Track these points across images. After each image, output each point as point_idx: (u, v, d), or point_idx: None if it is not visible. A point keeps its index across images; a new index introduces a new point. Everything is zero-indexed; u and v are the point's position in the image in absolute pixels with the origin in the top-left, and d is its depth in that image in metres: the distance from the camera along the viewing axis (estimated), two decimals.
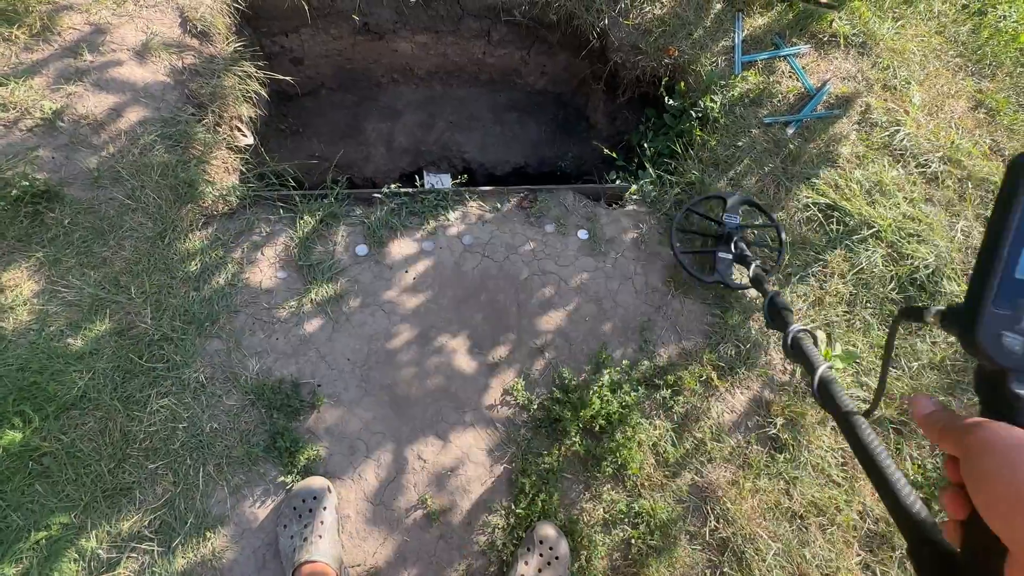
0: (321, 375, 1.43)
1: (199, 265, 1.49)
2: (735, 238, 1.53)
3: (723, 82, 1.88)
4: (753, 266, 1.35)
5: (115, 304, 1.42)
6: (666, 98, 1.94)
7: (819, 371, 0.70)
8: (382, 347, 1.47)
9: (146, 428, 1.31)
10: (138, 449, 1.29)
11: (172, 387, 1.35)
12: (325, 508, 1.24)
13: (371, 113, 2.48)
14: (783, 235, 1.61)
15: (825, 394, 0.69)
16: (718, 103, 1.84)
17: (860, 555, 1.37)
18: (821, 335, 1.56)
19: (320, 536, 1.20)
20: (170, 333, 1.40)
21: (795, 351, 0.83)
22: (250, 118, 1.96)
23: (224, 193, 1.60)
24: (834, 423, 1.49)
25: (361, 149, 2.49)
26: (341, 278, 1.54)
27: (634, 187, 1.82)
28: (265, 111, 2.11)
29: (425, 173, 2.51)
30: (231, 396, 1.37)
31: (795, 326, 0.86)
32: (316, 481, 1.28)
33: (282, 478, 1.30)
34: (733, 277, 1.54)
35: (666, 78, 1.97)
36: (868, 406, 0.67)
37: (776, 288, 1.10)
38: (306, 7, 1.95)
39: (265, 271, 1.53)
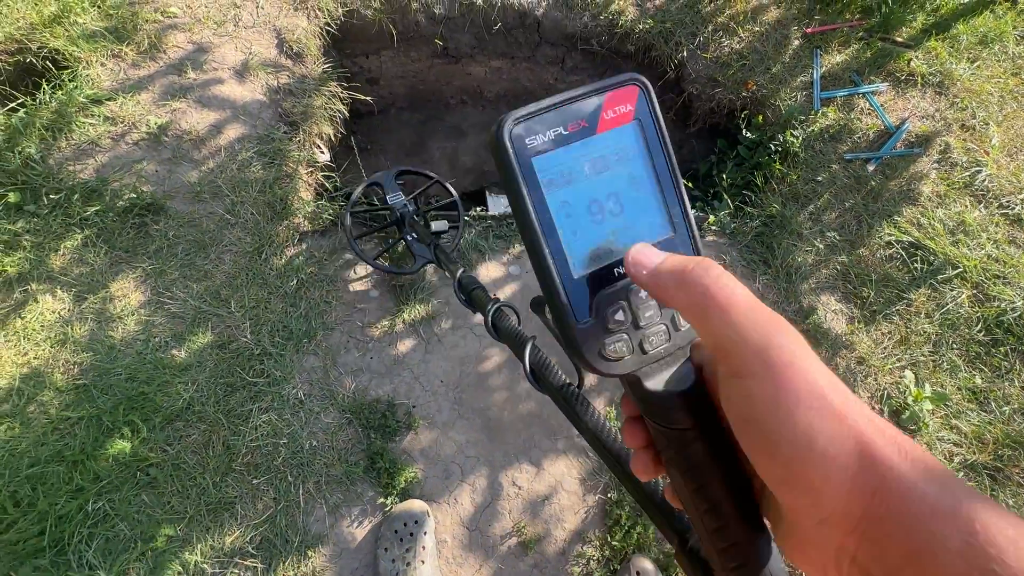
0: (415, 396, 1.44)
1: (296, 281, 1.52)
2: (407, 218, 1.46)
3: (803, 117, 1.90)
4: (436, 243, 1.24)
5: (216, 317, 1.44)
6: (743, 131, 1.96)
7: (527, 348, 0.60)
8: (473, 370, 1.48)
9: (248, 442, 1.32)
10: (240, 463, 1.30)
11: (273, 402, 1.37)
12: (426, 533, 1.24)
13: (437, 132, 2.52)
14: (449, 187, 1.56)
15: (536, 372, 0.59)
16: (799, 138, 1.86)
17: None
18: (909, 374, 1.55)
19: (423, 561, 1.20)
20: (269, 348, 1.42)
21: (497, 330, 0.74)
22: (330, 136, 2.01)
23: (318, 210, 1.63)
24: None
25: (426, 168, 2.53)
26: (433, 299, 1.56)
27: (712, 218, 1.83)
28: (343, 130, 2.16)
29: (488, 194, 2.54)
30: (328, 414, 1.38)
31: (492, 304, 0.76)
32: (416, 504, 1.28)
33: (380, 499, 1.30)
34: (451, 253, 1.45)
35: (744, 111, 1.99)
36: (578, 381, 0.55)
37: (462, 266, 1.00)
38: (393, 31, 2.01)
39: (358, 290, 1.56)
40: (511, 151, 0.31)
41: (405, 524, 1.24)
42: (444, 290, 1.58)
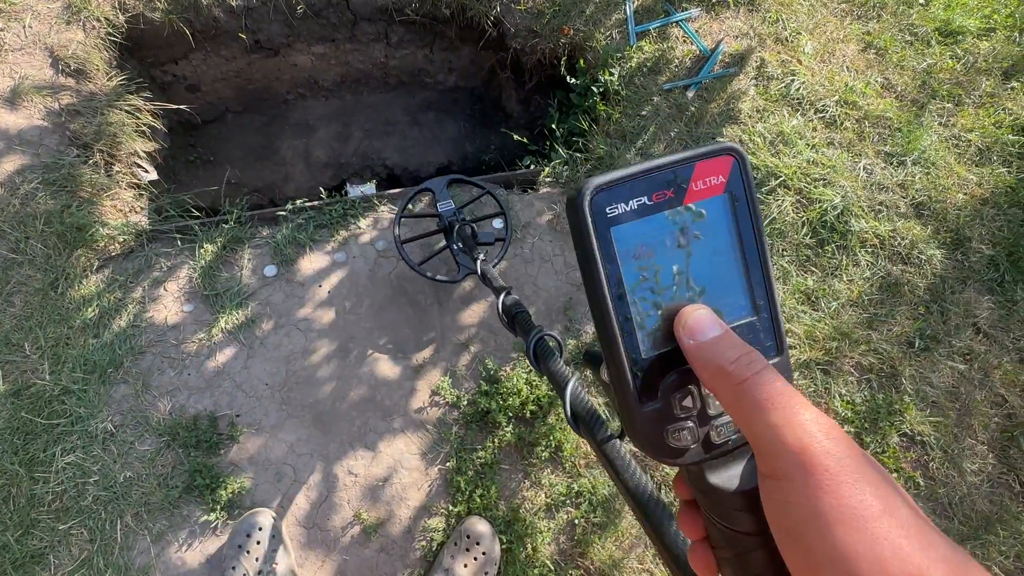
0: (239, 405, 1.38)
1: (97, 311, 1.43)
2: (456, 226, 1.41)
3: (619, 55, 1.89)
4: (478, 261, 1.17)
5: (8, 364, 1.35)
6: (568, 78, 1.94)
7: (568, 388, 0.55)
8: (301, 366, 1.43)
9: (53, 488, 1.24)
10: (47, 512, 1.23)
11: (78, 441, 1.29)
12: (274, 536, 1.20)
13: (283, 131, 2.42)
14: (500, 202, 1.51)
15: (577, 416, 0.54)
16: (616, 76, 1.85)
17: None
18: None
19: (276, 564, 1.16)
20: (71, 386, 1.33)
21: (538, 360, 0.68)
22: (148, 153, 1.89)
23: (118, 233, 1.53)
24: None
25: (279, 169, 2.43)
26: (251, 302, 1.50)
27: (547, 169, 1.82)
28: (166, 143, 2.04)
29: (348, 185, 2.47)
30: (144, 441, 1.31)
31: (535, 332, 0.70)
32: (254, 512, 1.23)
33: (205, 517, 1.25)
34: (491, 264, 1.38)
35: (565, 58, 1.97)
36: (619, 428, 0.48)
37: (508, 286, 0.93)
38: (188, 32, 1.89)
39: (170, 307, 1.47)
40: (589, 219, 0.29)
41: (248, 535, 1.20)
42: (263, 291, 1.51)
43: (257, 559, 1.17)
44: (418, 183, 2.54)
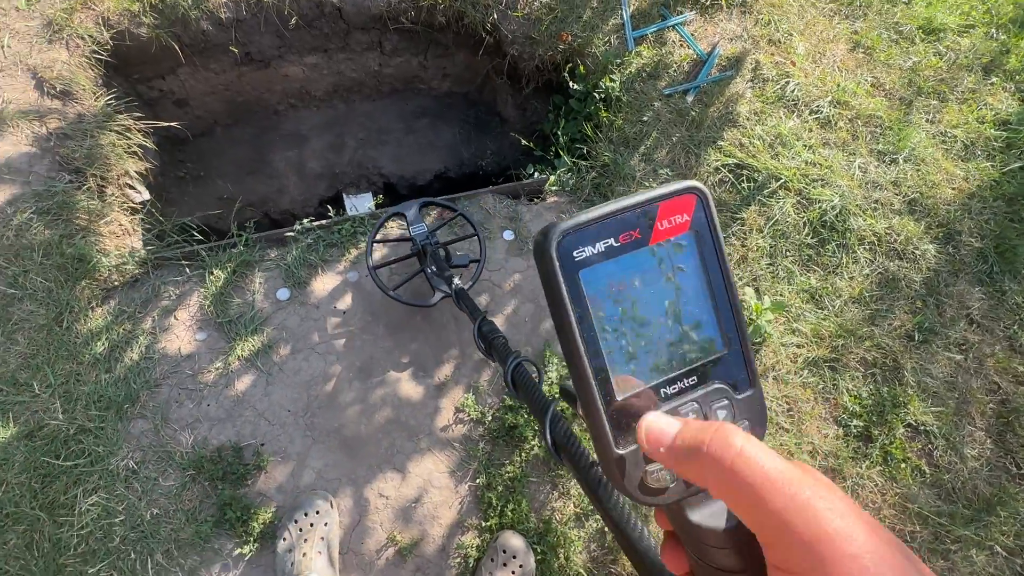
0: (262, 433, 1.36)
1: (106, 344, 1.39)
2: (428, 251, 1.40)
3: (619, 60, 1.90)
4: (454, 282, 1.16)
5: (18, 405, 1.30)
6: (570, 83, 1.95)
7: (548, 415, 0.54)
8: (322, 391, 1.42)
9: (78, 532, 1.21)
10: (73, 556, 1.20)
11: (100, 481, 1.26)
12: (327, 524, 1.23)
13: (275, 143, 2.36)
14: (473, 223, 1.50)
15: (558, 444, 0.53)
16: (617, 82, 1.86)
17: None
18: (749, 291, 1.62)
19: (319, 552, 1.18)
20: (86, 424, 1.30)
21: (516, 387, 0.66)
22: (140, 173, 1.83)
23: (120, 262, 1.49)
24: (773, 373, 1.56)
25: (273, 182, 2.38)
26: (266, 327, 1.47)
27: (552, 178, 1.82)
28: (156, 162, 1.97)
29: (344, 196, 2.43)
30: (168, 476, 1.29)
31: (513, 358, 0.68)
32: (317, 496, 1.26)
33: (239, 550, 1.24)
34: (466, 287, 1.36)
35: (566, 64, 1.97)
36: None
37: (484, 311, 0.93)
38: (176, 47, 1.83)
39: (182, 336, 1.44)
40: (557, 263, 0.28)
41: (306, 514, 1.23)
42: (277, 315, 1.49)
43: (306, 540, 1.19)
44: (415, 191, 2.53)
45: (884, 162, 1.85)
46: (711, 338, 0.32)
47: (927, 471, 1.49)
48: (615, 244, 0.30)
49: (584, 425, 0.34)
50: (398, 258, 1.52)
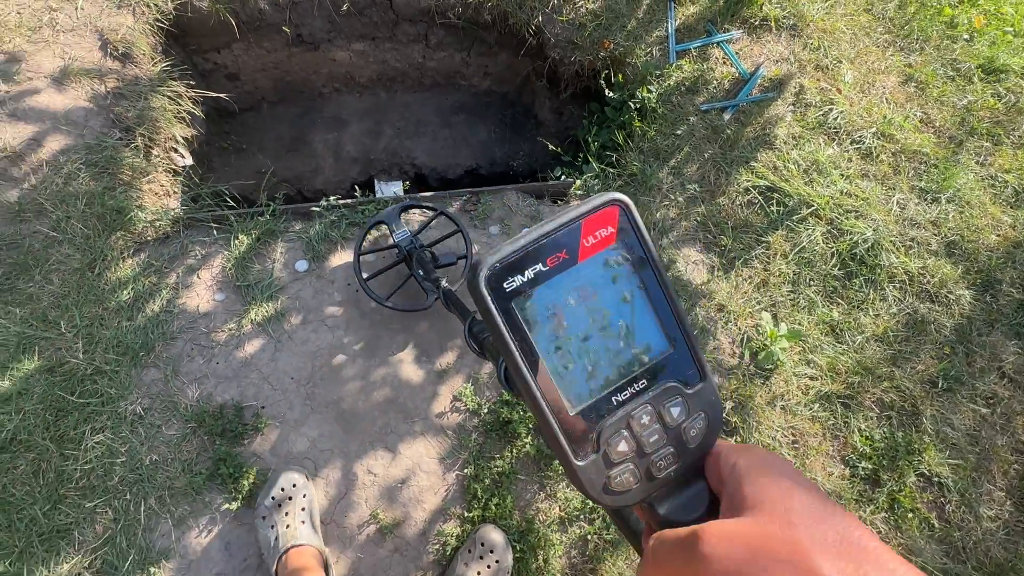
0: (264, 396, 1.40)
1: (132, 294, 1.45)
2: (415, 254, 1.40)
3: (659, 72, 1.89)
4: (442, 282, 1.18)
5: (44, 341, 1.38)
6: (606, 91, 1.95)
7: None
8: (327, 363, 1.45)
9: (82, 466, 1.27)
10: (74, 488, 1.25)
11: (108, 421, 1.32)
12: (304, 495, 1.24)
13: (316, 124, 2.44)
14: (456, 219, 1.50)
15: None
16: (655, 93, 1.85)
17: None
18: (766, 316, 1.58)
19: (303, 522, 1.20)
20: (103, 366, 1.36)
21: (510, 384, 0.68)
22: (185, 138, 1.92)
23: (155, 218, 1.56)
24: (782, 402, 1.51)
25: (309, 161, 2.45)
26: (281, 296, 1.52)
27: (578, 182, 1.82)
28: (202, 130, 2.07)
29: (376, 182, 2.49)
30: (171, 426, 1.34)
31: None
32: (292, 472, 1.27)
33: (227, 505, 1.27)
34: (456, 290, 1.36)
35: (604, 71, 1.97)
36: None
37: (474, 311, 0.90)
38: (234, 23, 1.91)
39: (202, 294, 1.50)
40: (488, 298, 0.29)
41: (283, 489, 1.24)
42: (293, 285, 1.54)
43: (287, 513, 1.21)
44: (445, 183, 2.56)
45: (925, 200, 1.78)
46: (654, 340, 0.33)
47: (936, 525, 1.41)
48: (544, 268, 0.30)
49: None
50: (386, 266, 1.51)
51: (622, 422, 0.31)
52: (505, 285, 0.30)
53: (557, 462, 0.31)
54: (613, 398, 0.32)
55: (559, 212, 0.31)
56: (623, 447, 0.31)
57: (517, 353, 0.30)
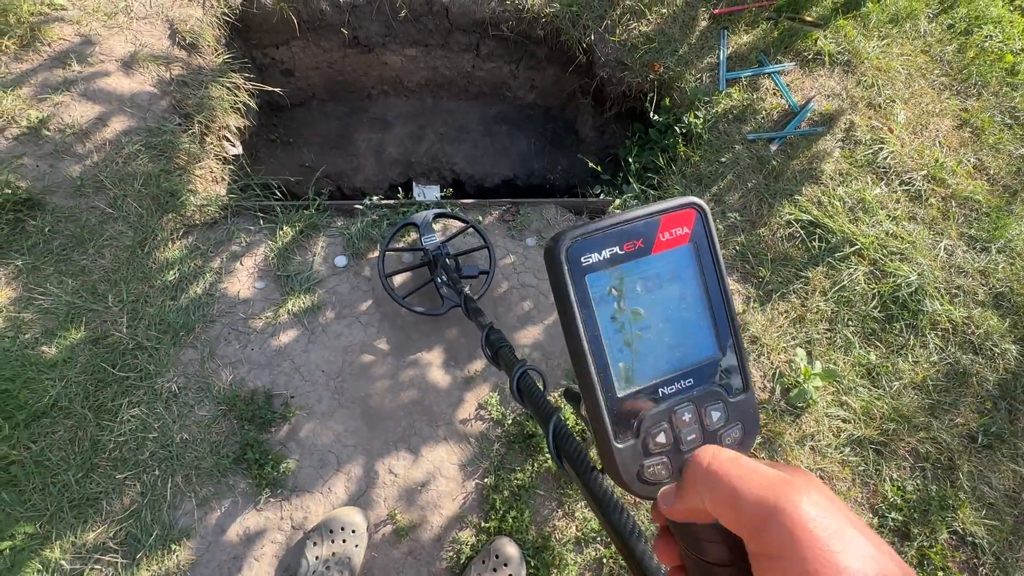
0: (295, 386, 1.42)
1: (177, 274, 1.50)
2: (439, 261, 1.44)
3: (707, 98, 1.89)
4: (464, 292, 1.19)
5: (91, 312, 1.42)
6: (652, 113, 1.95)
7: (552, 422, 0.56)
8: (357, 359, 1.47)
9: (116, 438, 1.30)
10: (107, 459, 1.29)
11: (144, 396, 1.35)
12: (357, 546, 1.22)
13: (361, 124, 2.49)
14: (484, 235, 1.52)
15: (561, 450, 0.55)
16: (702, 119, 1.85)
17: None
18: (800, 352, 1.55)
19: (339, 574, 1.17)
20: (144, 342, 1.40)
21: (522, 394, 0.68)
22: (238, 128, 1.98)
23: (205, 203, 1.61)
24: (812, 442, 1.47)
25: (351, 160, 2.51)
26: (319, 289, 1.54)
27: (617, 202, 1.82)
28: (254, 121, 2.13)
29: (414, 184, 2.53)
30: (203, 406, 1.37)
31: (519, 367, 0.70)
32: (357, 515, 1.26)
33: (250, 491, 1.29)
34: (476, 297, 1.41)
35: (651, 94, 1.98)
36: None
37: (491, 321, 0.91)
38: (295, 21, 1.98)
39: (243, 281, 1.54)
40: (565, 267, 0.31)
41: (343, 528, 1.22)
42: (331, 280, 1.56)
43: (335, 554, 1.18)
44: (481, 192, 2.59)
45: (974, 248, 1.73)
46: (708, 342, 0.34)
47: None
48: (620, 252, 0.32)
49: (588, 430, 0.36)
50: (409, 266, 1.55)
51: (665, 414, 0.32)
52: (583, 259, 0.31)
53: (594, 448, 0.32)
54: (660, 389, 0.32)
55: (641, 205, 0.33)
56: (662, 438, 0.32)
57: (580, 325, 0.31)
